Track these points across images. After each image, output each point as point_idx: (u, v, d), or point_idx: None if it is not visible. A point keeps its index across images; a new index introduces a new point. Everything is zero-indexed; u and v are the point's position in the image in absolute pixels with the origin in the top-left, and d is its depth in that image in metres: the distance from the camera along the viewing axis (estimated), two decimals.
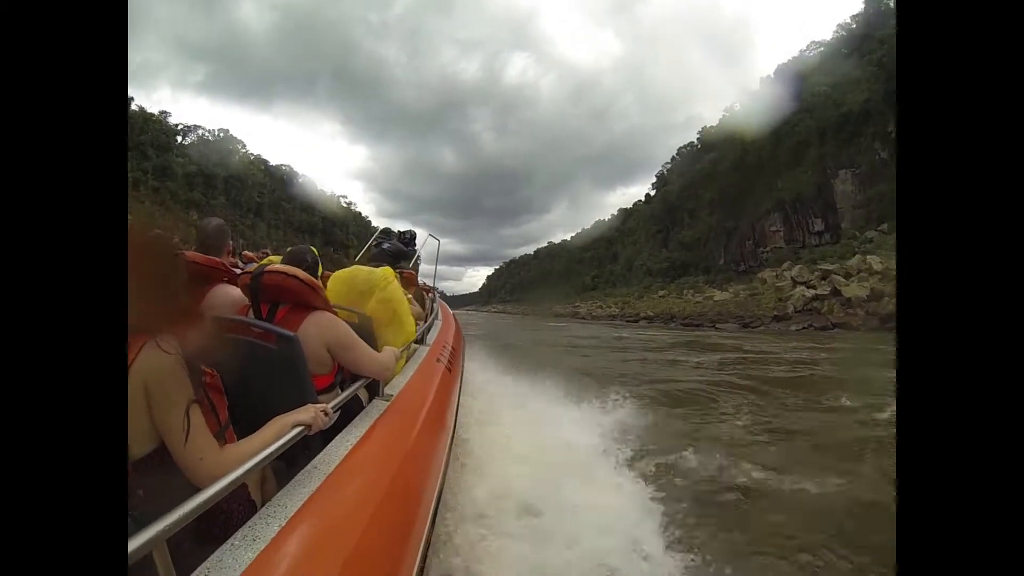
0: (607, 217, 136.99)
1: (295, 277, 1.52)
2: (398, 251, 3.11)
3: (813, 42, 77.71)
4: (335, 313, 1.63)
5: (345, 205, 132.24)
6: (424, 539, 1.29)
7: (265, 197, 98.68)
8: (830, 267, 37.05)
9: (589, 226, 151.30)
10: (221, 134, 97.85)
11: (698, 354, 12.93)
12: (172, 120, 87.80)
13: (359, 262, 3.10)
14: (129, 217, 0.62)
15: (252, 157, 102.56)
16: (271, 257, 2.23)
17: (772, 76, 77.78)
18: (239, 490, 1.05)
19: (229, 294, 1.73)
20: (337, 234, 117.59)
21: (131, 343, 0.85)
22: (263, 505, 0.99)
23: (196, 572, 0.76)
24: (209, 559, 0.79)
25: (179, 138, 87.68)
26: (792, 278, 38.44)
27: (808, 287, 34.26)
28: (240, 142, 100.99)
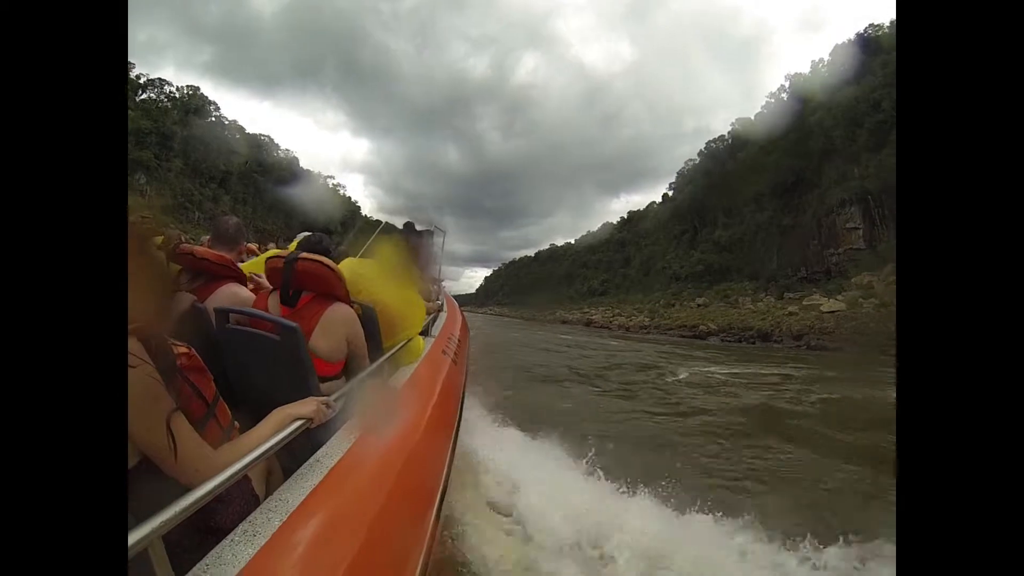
0: (615, 220, 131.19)
1: (327, 266, 1.58)
2: (417, 246, 3.19)
3: None
4: (352, 306, 1.67)
5: (332, 187, 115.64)
6: (429, 533, 1.30)
7: (234, 166, 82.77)
8: None
9: (595, 229, 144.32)
10: (190, 92, 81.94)
11: None
12: (135, 71, 75.60)
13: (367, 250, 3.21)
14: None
15: (227, 122, 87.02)
16: (274, 250, 2.28)
17: (846, 42, 63.15)
18: (243, 484, 1.06)
19: (237, 295, 1.74)
20: (319, 219, 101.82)
21: None
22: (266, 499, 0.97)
23: (195, 568, 0.76)
24: (208, 555, 0.79)
25: (140, 92, 75.78)
26: None
27: None
28: (213, 103, 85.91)
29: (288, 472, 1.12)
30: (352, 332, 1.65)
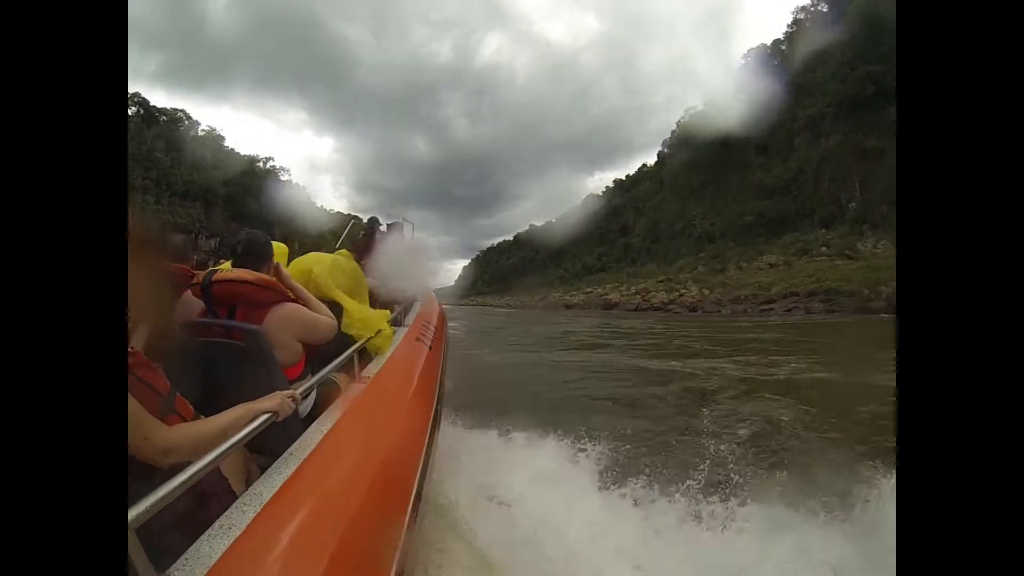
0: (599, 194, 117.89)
1: (244, 281, 1.54)
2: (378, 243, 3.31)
3: None
4: (294, 296, 1.67)
5: (268, 169, 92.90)
6: (406, 522, 1.31)
7: (130, 146, 60.78)
8: None
9: (576, 207, 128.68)
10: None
11: None
12: None
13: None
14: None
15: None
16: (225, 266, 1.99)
17: None
18: (221, 483, 1.10)
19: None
20: (250, 206, 79.37)
21: None
22: None
23: (176, 563, 0.79)
24: (188, 550, 0.83)
25: None
26: None
27: None
28: (182, 112, 69.76)
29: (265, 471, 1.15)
30: (300, 327, 1.62)
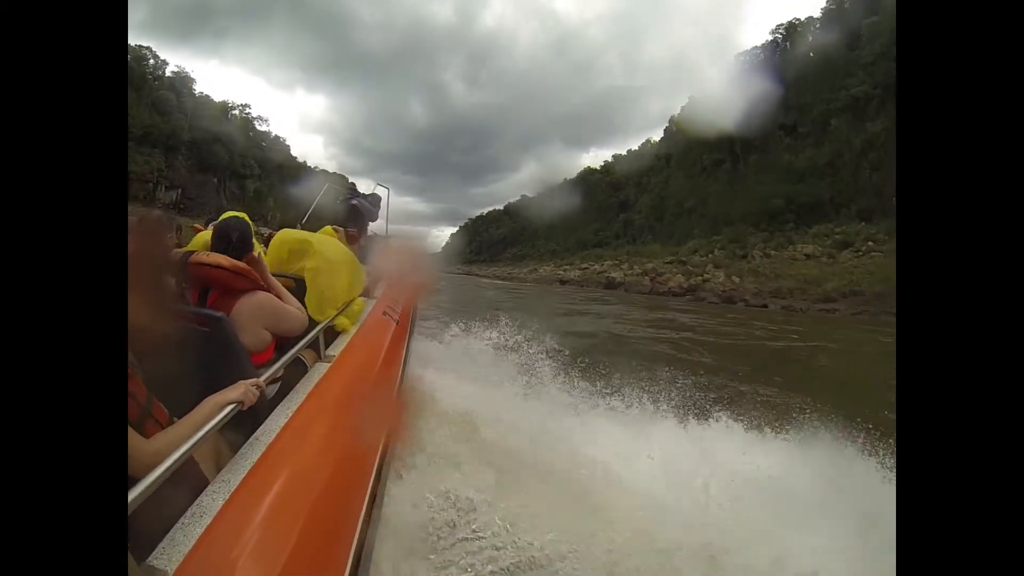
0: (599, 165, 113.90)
1: (220, 267, 1.59)
2: (367, 212, 3.91)
3: None
4: (267, 286, 1.74)
5: (244, 117, 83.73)
6: (367, 500, 1.38)
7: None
8: None
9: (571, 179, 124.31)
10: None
11: None
12: None
13: (309, 217, 3.95)
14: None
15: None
16: (202, 233, 2.14)
17: None
18: (191, 468, 1.12)
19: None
20: (219, 154, 70.58)
21: None
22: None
23: (153, 552, 0.84)
24: (164, 539, 0.87)
25: None
26: None
27: None
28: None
29: (236, 451, 1.19)
30: (268, 317, 1.67)
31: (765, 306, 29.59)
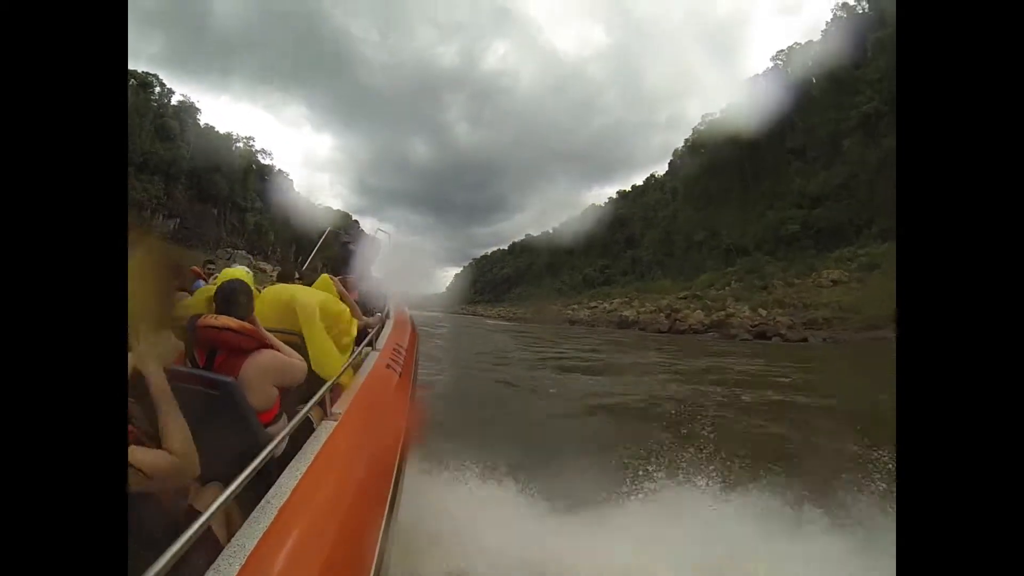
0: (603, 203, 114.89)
1: (229, 329, 1.67)
2: (362, 257, 3.70)
3: None
4: (271, 344, 1.81)
5: (247, 148, 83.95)
6: (376, 558, 1.42)
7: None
8: None
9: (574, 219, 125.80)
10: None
11: None
12: None
13: (312, 261, 4.09)
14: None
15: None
16: (203, 289, 2.25)
17: None
18: (204, 532, 1.11)
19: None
20: (219, 184, 69.72)
21: None
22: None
23: None
24: None
25: None
26: None
27: None
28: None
29: (245, 510, 1.22)
30: (276, 374, 1.72)
31: (805, 339, 27.52)
